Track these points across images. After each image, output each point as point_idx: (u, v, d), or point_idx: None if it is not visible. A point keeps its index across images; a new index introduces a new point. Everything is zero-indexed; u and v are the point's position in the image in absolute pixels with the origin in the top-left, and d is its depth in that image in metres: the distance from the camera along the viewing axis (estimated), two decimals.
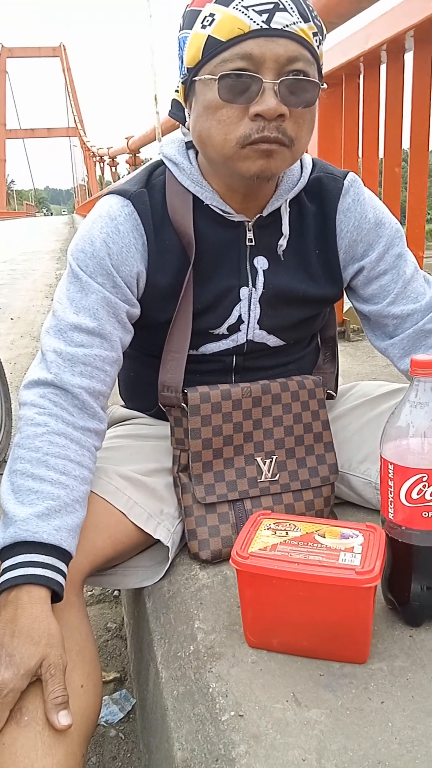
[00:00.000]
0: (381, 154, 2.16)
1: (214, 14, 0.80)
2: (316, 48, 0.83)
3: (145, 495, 0.98)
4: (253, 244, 0.97)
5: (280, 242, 0.97)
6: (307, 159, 1.00)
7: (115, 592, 1.57)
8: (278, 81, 0.80)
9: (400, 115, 2.01)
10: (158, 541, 0.96)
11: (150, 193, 0.95)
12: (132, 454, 1.05)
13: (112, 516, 0.92)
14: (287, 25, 0.79)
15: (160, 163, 0.99)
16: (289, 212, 0.97)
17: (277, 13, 0.79)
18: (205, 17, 0.81)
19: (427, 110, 1.89)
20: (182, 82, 0.88)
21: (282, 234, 0.97)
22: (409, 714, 0.68)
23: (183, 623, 0.88)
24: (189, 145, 0.96)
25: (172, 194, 0.95)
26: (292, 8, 0.79)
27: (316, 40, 0.83)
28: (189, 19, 0.85)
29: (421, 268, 1.07)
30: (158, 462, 1.04)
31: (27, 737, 0.68)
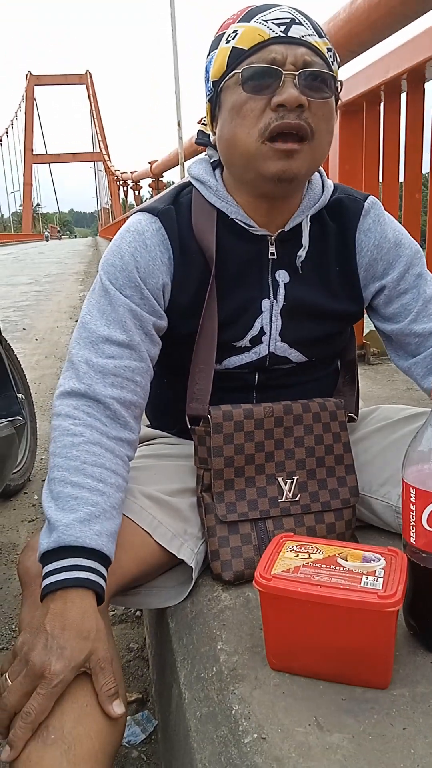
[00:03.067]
0: (401, 180, 2.18)
1: (237, 30, 0.89)
2: (331, 63, 0.90)
3: (169, 515, 0.99)
4: (275, 258, 1.00)
5: (299, 253, 1.00)
6: (329, 182, 1.04)
7: (138, 612, 1.57)
8: (297, 72, 0.86)
9: (420, 141, 2.03)
10: (181, 561, 0.97)
11: (177, 210, 0.99)
12: (156, 474, 1.07)
13: (136, 535, 0.94)
14: (303, 36, 0.87)
15: (188, 184, 1.03)
16: (310, 228, 1.01)
17: (294, 26, 0.87)
18: (229, 34, 0.90)
19: None
20: (208, 100, 0.95)
21: (302, 246, 0.99)
22: (431, 741, 0.68)
23: (205, 644, 0.88)
24: (215, 165, 1.01)
25: (198, 211, 0.99)
26: (306, 24, 0.88)
27: (330, 56, 0.90)
28: (214, 43, 0.93)
29: None
30: (182, 482, 1.06)
31: (53, 756, 0.69)
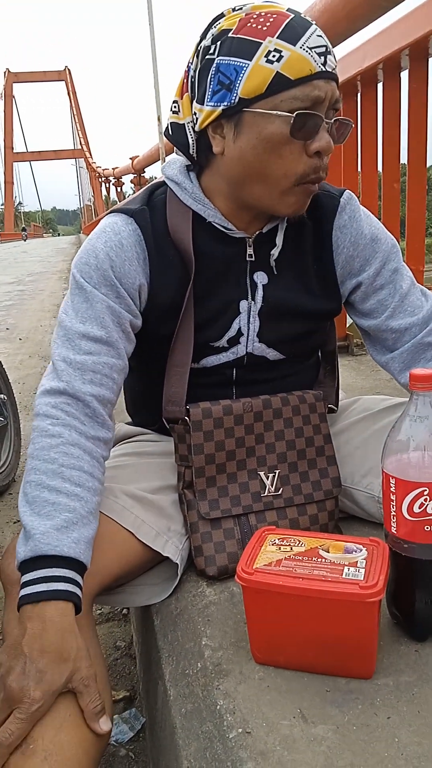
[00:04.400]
0: (380, 170, 2.18)
1: (281, 51, 0.82)
2: None
3: (152, 513, 0.99)
4: (253, 259, 0.99)
5: (272, 252, 0.99)
6: None
7: (125, 610, 1.57)
8: (332, 120, 0.87)
9: (398, 131, 2.04)
10: (165, 558, 0.97)
11: (151, 211, 0.97)
12: (137, 472, 1.06)
13: (119, 535, 0.93)
14: (334, 68, 0.86)
15: (161, 184, 1.01)
16: (286, 227, 1.00)
17: (328, 57, 0.84)
18: (270, 52, 0.82)
19: (423, 126, 1.92)
20: (222, 109, 0.86)
21: (275, 245, 0.99)
22: (415, 729, 0.68)
23: (190, 640, 0.88)
24: (189, 168, 0.99)
25: (173, 212, 0.97)
26: (332, 51, 0.86)
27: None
28: (240, 48, 0.84)
29: (421, 284, 1.09)
30: (164, 479, 1.05)
31: (34, 764, 0.68)
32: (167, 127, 0.97)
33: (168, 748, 0.82)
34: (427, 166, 1.97)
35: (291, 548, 0.80)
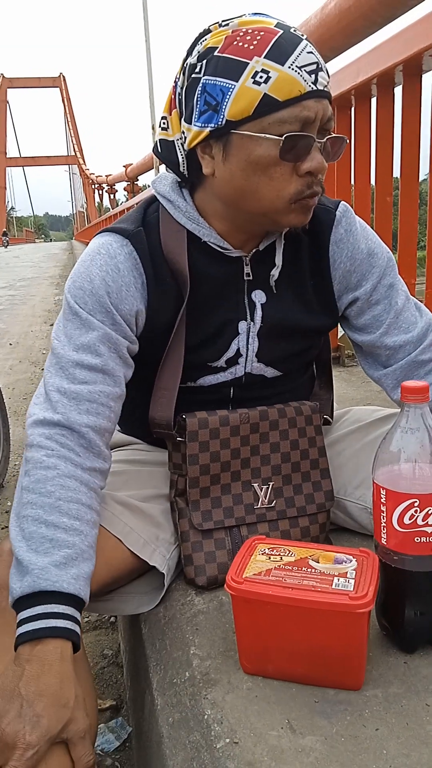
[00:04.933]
0: (373, 183, 2.20)
1: (268, 72, 0.80)
2: None
3: (142, 521, 0.98)
4: (251, 278, 0.98)
5: (272, 272, 0.98)
6: None
7: (112, 618, 1.56)
8: (324, 140, 0.85)
9: (391, 145, 2.06)
10: (155, 567, 0.96)
11: (147, 231, 0.94)
12: (128, 479, 1.06)
13: (108, 542, 0.93)
14: (325, 85, 0.84)
15: (154, 200, 0.99)
16: (284, 245, 0.99)
17: (320, 74, 0.82)
18: (257, 72, 0.80)
19: (416, 141, 1.94)
20: (210, 130, 0.84)
21: (275, 265, 0.98)
22: (403, 741, 0.68)
23: (179, 649, 0.88)
24: (182, 184, 0.96)
25: (167, 232, 0.95)
26: (324, 67, 0.84)
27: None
28: (226, 68, 0.81)
29: (413, 296, 1.09)
30: (155, 488, 1.05)
31: None
32: (156, 144, 0.95)
33: (155, 758, 0.81)
34: (420, 180, 1.99)
35: (281, 558, 0.80)
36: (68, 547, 0.80)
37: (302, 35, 0.83)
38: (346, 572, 0.76)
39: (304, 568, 0.77)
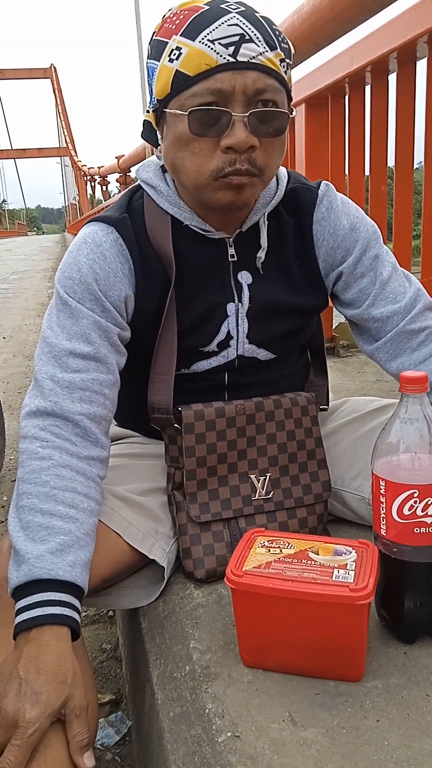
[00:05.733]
0: (367, 173, 2.19)
1: (180, 48, 0.80)
2: (284, 75, 0.84)
3: (140, 515, 0.98)
4: (236, 259, 0.98)
5: (258, 254, 0.98)
6: (282, 171, 1.01)
7: (110, 612, 1.56)
8: (247, 113, 0.81)
9: (385, 134, 2.04)
10: (154, 561, 0.96)
11: (132, 218, 0.95)
12: (126, 473, 1.05)
13: (107, 537, 0.92)
14: (254, 57, 0.80)
15: (139, 188, 1.00)
16: (268, 225, 0.99)
17: (243, 45, 0.79)
18: (172, 50, 0.81)
19: (411, 129, 1.93)
20: (153, 110, 0.88)
21: (261, 247, 0.98)
22: (404, 732, 0.68)
23: (178, 643, 0.87)
24: (165, 168, 0.97)
25: (151, 217, 0.96)
26: (258, 38, 0.80)
27: (284, 66, 0.84)
28: (156, 50, 0.85)
29: None
30: (153, 481, 1.05)
31: None
32: (143, 126, 0.95)
33: (156, 753, 0.81)
34: (415, 168, 1.98)
35: (281, 550, 0.79)
36: (64, 534, 0.80)
37: (235, 8, 0.81)
38: (346, 564, 0.76)
39: (303, 561, 0.77)
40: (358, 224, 1.02)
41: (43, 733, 0.69)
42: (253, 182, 0.86)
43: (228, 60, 0.79)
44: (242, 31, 0.79)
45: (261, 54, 0.80)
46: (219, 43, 0.79)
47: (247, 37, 0.79)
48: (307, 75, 2.28)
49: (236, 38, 0.79)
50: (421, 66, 1.83)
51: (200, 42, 0.79)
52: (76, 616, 0.77)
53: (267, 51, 0.81)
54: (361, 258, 1.01)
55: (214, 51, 0.79)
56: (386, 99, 2.02)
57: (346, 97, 2.22)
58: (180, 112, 0.83)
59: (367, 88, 2.10)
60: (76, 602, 0.78)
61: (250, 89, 0.80)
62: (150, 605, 0.98)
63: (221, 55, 0.79)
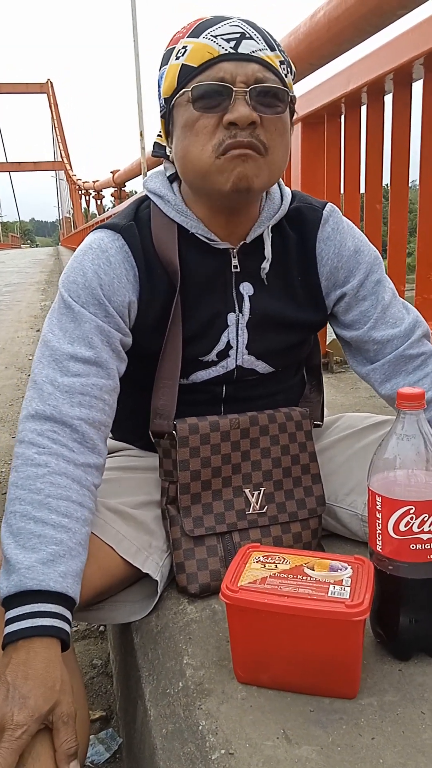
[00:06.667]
0: (362, 191, 2.21)
1: (186, 46, 0.87)
2: (284, 76, 0.88)
3: (134, 528, 0.97)
4: (238, 270, 0.99)
5: (263, 265, 0.99)
6: (287, 190, 1.04)
7: (101, 628, 1.54)
8: (248, 89, 0.85)
9: (381, 153, 2.07)
10: (146, 575, 0.95)
11: (138, 226, 0.97)
12: (120, 486, 1.05)
13: (100, 550, 0.91)
14: (254, 51, 0.85)
15: (147, 198, 1.01)
16: (271, 239, 1.00)
17: (244, 41, 0.85)
18: (179, 50, 0.88)
19: (406, 149, 1.95)
20: (162, 116, 0.93)
21: (265, 258, 0.99)
22: (399, 750, 0.67)
23: (171, 659, 0.87)
24: (171, 178, 1.00)
25: (158, 226, 0.97)
26: (257, 37, 0.86)
27: (283, 69, 0.88)
28: (165, 57, 0.91)
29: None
30: (147, 495, 1.04)
31: None
32: (153, 146, 1.00)
33: None
34: (409, 187, 2.00)
35: (276, 566, 0.79)
36: (56, 543, 0.79)
37: (237, 18, 0.87)
38: (342, 580, 0.76)
39: (299, 576, 0.76)
40: (363, 248, 1.04)
41: (31, 737, 0.69)
42: (257, 160, 0.87)
43: (229, 51, 0.84)
44: (243, 30, 0.86)
45: (260, 50, 0.86)
46: (221, 38, 0.85)
47: (248, 35, 0.86)
48: (304, 94, 2.31)
49: (237, 35, 0.85)
50: (417, 87, 1.86)
51: (204, 37, 0.85)
52: (66, 627, 0.76)
53: (266, 49, 0.86)
54: (365, 281, 1.03)
55: (217, 44, 0.85)
56: (382, 119, 2.05)
57: (342, 116, 2.25)
58: (186, 99, 0.87)
59: (363, 108, 2.13)
60: (67, 613, 0.77)
61: (251, 77, 0.85)
62: (143, 620, 0.98)
63: (223, 47, 0.85)
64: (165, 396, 0.98)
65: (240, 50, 0.84)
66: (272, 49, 0.87)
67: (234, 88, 0.84)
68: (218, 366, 1.02)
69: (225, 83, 0.84)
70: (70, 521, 0.82)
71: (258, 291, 1.00)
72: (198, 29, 0.87)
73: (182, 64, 0.86)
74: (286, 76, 0.89)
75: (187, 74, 0.86)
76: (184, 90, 0.87)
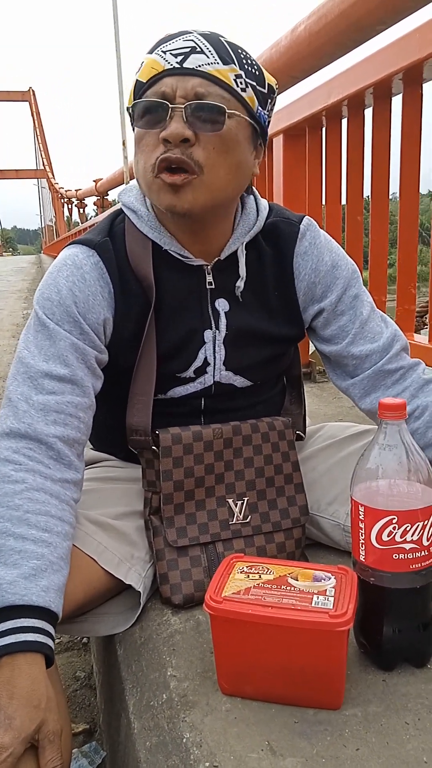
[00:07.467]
0: (344, 202, 2.23)
1: (143, 61, 0.88)
2: (237, 88, 0.86)
3: (116, 539, 0.97)
4: (213, 287, 0.99)
5: (238, 284, 0.99)
6: (263, 204, 1.04)
7: (84, 640, 1.53)
8: (183, 105, 0.84)
9: (362, 165, 2.09)
10: (129, 586, 0.95)
11: (113, 242, 0.96)
12: (102, 497, 1.04)
13: (81, 561, 0.91)
14: (200, 65, 0.84)
15: (121, 212, 1.01)
16: (247, 255, 1.00)
17: (193, 56, 0.85)
18: (139, 66, 0.89)
19: (386, 162, 1.97)
20: (132, 128, 0.93)
21: (240, 276, 0.99)
22: (384, 761, 0.68)
23: (155, 671, 0.86)
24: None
25: (132, 241, 0.96)
26: (210, 51, 0.85)
27: (240, 83, 0.87)
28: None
29: (384, 312, 1.10)
30: (129, 505, 1.04)
31: None
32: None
33: None
34: (390, 199, 2.02)
35: (260, 576, 0.79)
36: (37, 558, 0.78)
37: (200, 32, 0.87)
38: (326, 590, 0.76)
39: (283, 587, 0.77)
40: (340, 262, 1.04)
41: (17, 759, 0.68)
42: (192, 184, 0.86)
43: (174, 66, 0.85)
44: (194, 45, 0.85)
45: (209, 64, 0.85)
46: (170, 53, 0.85)
47: (198, 49, 0.85)
48: (285, 107, 2.33)
49: (187, 50, 0.85)
50: (396, 102, 1.89)
51: (155, 53, 0.87)
52: (50, 642, 0.75)
53: (218, 63, 0.85)
54: (342, 296, 1.03)
55: (164, 59, 0.85)
56: (362, 132, 2.07)
57: (323, 129, 2.27)
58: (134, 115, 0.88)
59: (344, 121, 2.15)
60: (50, 628, 0.76)
61: (190, 93, 0.85)
62: (126, 632, 0.97)
63: (168, 62, 0.85)
64: (139, 413, 0.97)
65: (186, 65, 0.84)
66: (226, 63, 0.85)
67: (171, 105, 0.84)
68: (196, 382, 1.02)
69: (165, 99, 0.85)
70: (51, 536, 0.81)
71: (234, 307, 1.00)
72: (156, 43, 0.88)
73: (136, 80, 0.88)
74: (243, 91, 0.87)
75: (138, 89, 0.88)
76: (130, 106, 0.89)
